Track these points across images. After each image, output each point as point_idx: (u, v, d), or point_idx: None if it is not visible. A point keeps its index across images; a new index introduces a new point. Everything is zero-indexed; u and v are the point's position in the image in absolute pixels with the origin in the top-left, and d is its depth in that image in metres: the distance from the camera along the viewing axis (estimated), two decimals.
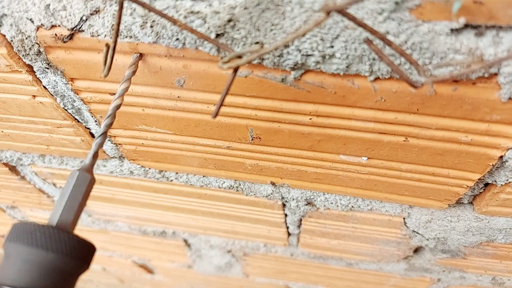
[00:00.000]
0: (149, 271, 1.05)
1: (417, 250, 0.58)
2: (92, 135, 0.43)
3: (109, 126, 0.28)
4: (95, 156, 0.27)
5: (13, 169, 0.58)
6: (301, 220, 0.54)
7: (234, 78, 0.24)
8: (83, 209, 0.25)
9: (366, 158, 0.36)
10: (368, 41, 0.23)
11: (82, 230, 0.79)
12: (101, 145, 0.28)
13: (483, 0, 0.21)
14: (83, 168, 0.27)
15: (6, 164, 0.57)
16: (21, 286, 0.22)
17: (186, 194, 0.53)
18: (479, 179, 0.36)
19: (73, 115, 0.40)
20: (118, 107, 0.28)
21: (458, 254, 0.54)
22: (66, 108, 0.38)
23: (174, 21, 0.23)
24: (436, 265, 0.60)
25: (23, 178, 0.60)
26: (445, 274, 0.64)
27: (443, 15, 0.22)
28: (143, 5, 0.22)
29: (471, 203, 0.42)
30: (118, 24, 0.23)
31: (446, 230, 0.47)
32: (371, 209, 0.46)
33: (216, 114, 0.25)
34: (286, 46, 0.22)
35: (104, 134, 0.28)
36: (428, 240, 0.51)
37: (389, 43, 0.22)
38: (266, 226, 0.59)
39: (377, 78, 0.27)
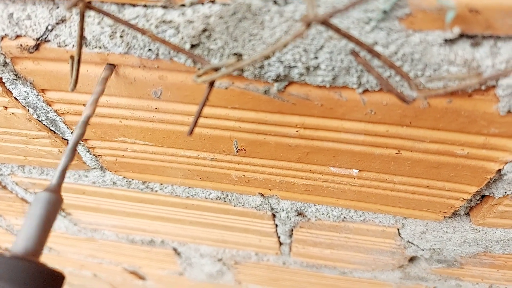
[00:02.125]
0: (141, 277, 1.03)
1: (412, 259, 0.56)
2: None
3: (77, 141, 0.25)
4: (63, 175, 0.25)
5: None
6: (292, 230, 0.52)
7: (210, 92, 0.22)
8: (49, 233, 0.23)
9: (357, 170, 0.34)
10: (354, 53, 0.21)
11: (69, 238, 0.77)
12: (69, 162, 0.26)
13: (479, 9, 0.19)
14: (49, 188, 0.25)
15: None
16: None
17: (172, 204, 0.51)
18: (476, 191, 0.34)
19: (48, 126, 0.37)
20: (87, 119, 0.26)
21: (454, 264, 0.52)
22: (40, 119, 0.36)
23: (143, 32, 0.21)
24: (431, 273, 0.59)
25: (4, 187, 0.58)
26: (441, 283, 0.62)
27: (436, 24, 0.20)
28: (107, 14, 0.20)
29: (467, 214, 0.41)
30: (81, 35, 0.21)
31: (442, 241, 0.45)
32: (364, 220, 0.44)
33: (191, 132, 0.23)
34: (267, 57, 0.20)
35: (72, 150, 0.26)
36: (423, 250, 0.49)
37: (377, 55, 0.20)
38: (256, 236, 0.57)
39: (366, 90, 0.25)
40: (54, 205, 0.23)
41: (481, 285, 0.60)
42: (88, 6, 0.20)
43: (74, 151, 0.26)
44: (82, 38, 0.21)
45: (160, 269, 0.86)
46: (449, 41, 0.21)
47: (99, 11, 0.20)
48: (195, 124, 0.23)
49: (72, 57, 0.24)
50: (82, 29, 0.20)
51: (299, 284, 0.77)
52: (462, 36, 0.21)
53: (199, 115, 0.22)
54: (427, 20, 0.20)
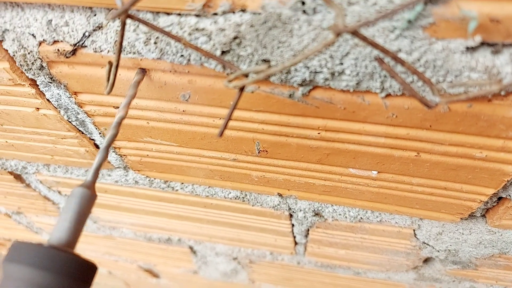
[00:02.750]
0: (155, 275, 1.05)
1: (426, 260, 0.57)
2: (97, 146, 0.43)
3: (111, 141, 0.27)
4: (97, 172, 0.27)
5: (18, 177, 0.58)
6: (308, 230, 0.53)
7: (241, 96, 0.24)
8: (83, 226, 0.25)
9: (376, 172, 0.35)
10: (379, 60, 0.22)
11: (88, 236, 0.79)
12: (103, 160, 0.27)
13: (500, 19, 0.20)
14: (84, 184, 0.26)
15: (11, 173, 0.56)
16: None
17: (191, 203, 0.52)
18: (493, 193, 0.35)
19: (77, 127, 0.39)
20: (121, 121, 0.28)
21: (469, 265, 0.53)
22: (70, 120, 0.38)
23: (178, 39, 0.22)
24: (446, 275, 0.59)
25: (28, 185, 0.60)
26: (455, 284, 0.62)
27: (458, 33, 0.21)
28: (146, 23, 0.22)
29: (483, 216, 0.41)
30: (121, 42, 0.22)
31: (458, 242, 0.46)
32: (380, 220, 0.45)
33: (221, 133, 0.24)
34: (292, 66, 0.21)
35: (106, 149, 0.27)
36: (438, 251, 0.50)
37: (401, 62, 0.21)
38: (272, 235, 0.58)
39: (388, 95, 0.26)
40: (89, 201, 0.25)
41: (495, 287, 0.61)
42: (129, 16, 0.21)
43: (107, 151, 0.27)
44: (121, 45, 0.22)
45: (175, 267, 0.87)
46: (471, 49, 0.22)
47: (138, 20, 0.21)
48: (225, 126, 0.24)
49: (110, 62, 0.26)
50: (122, 36, 0.22)
51: (313, 284, 0.78)
52: (483, 44, 0.22)
53: (229, 117, 0.24)
54: (450, 29, 0.21)
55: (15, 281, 0.21)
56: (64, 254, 0.22)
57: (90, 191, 0.25)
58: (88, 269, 0.24)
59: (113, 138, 0.27)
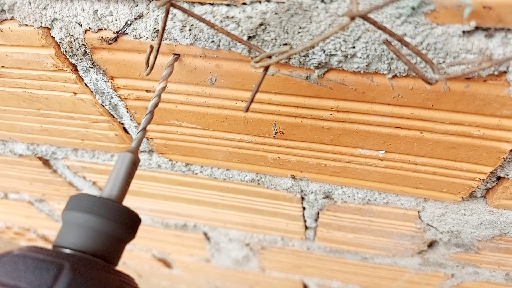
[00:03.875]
0: (168, 265, 1.09)
1: (431, 245, 0.60)
2: (125, 130, 0.46)
3: (156, 105, 0.31)
4: (140, 140, 0.30)
5: (46, 163, 0.62)
6: (318, 213, 0.56)
7: (265, 75, 0.27)
8: (129, 186, 0.29)
9: (383, 151, 0.38)
10: (387, 43, 0.25)
11: None
12: (148, 121, 0.30)
13: (492, 5, 0.23)
14: (130, 150, 0.30)
15: (40, 158, 0.60)
16: (80, 249, 0.25)
17: (209, 187, 0.56)
18: (491, 172, 0.38)
19: (109, 111, 0.43)
20: (160, 93, 0.31)
21: (471, 248, 0.56)
22: (103, 104, 0.42)
23: (212, 25, 0.26)
24: (450, 259, 0.62)
25: (55, 171, 0.64)
26: (459, 270, 0.65)
27: (456, 18, 0.25)
28: (186, 11, 0.25)
29: (484, 196, 0.44)
30: (163, 28, 0.26)
31: (460, 223, 0.49)
32: (387, 202, 0.48)
33: (247, 109, 0.28)
34: (312, 47, 0.24)
35: (151, 113, 0.31)
36: (442, 233, 0.53)
37: (406, 44, 0.24)
38: (284, 220, 0.61)
39: (394, 76, 0.29)
40: (134, 163, 0.29)
41: (498, 272, 0.64)
42: (172, 5, 0.25)
43: (151, 116, 0.31)
44: (164, 30, 0.26)
45: (189, 255, 0.91)
46: (467, 33, 0.25)
47: (180, 8, 0.25)
48: (251, 102, 0.27)
49: (151, 46, 0.29)
50: (165, 22, 0.25)
51: (322, 272, 0.81)
52: (477, 28, 0.25)
53: (255, 94, 0.27)
54: (449, 15, 0.24)
55: (74, 225, 0.25)
56: (115, 204, 0.26)
57: (134, 155, 0.29)
58: (134, 219, 0.27)
59: (155, 105, 0.30)
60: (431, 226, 0.52)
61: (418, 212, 0.49)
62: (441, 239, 0.55)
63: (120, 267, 1.24)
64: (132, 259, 1.10)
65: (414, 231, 0.54)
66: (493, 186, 0.42)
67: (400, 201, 0.48)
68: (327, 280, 0.86)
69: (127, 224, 0.26)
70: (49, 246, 1.21)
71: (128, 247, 0.98)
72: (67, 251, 0.25)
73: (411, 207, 0.49)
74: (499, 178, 0.41)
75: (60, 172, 0.64)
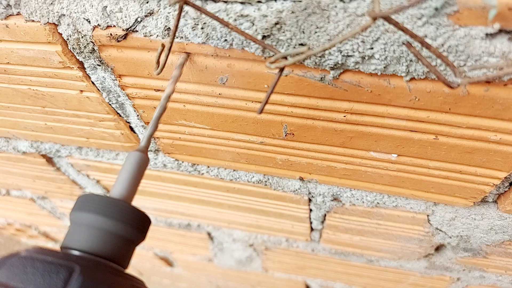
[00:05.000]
0: (169, 264, 1.08)
1: (438, 248, 0.59)
2: (132, 129, 0.46)
3: (161, 113, 0.30)
4: (149, 139, 0.29)
5: (49, 161, 0.61)
6: (325, 215, 0.56)
7: (280, 77, 0.26)
8: (139, 185, 0.28)
9: (396, 155, 0.37)
10: (408, 44, 0.24)
11: None
12: (155, 129, 0.30)
13: None
14: (139, 149, 0.29)
15: (44, 156, 0.60)
16: (89, 250, 0.24)
17: (215, 187, 0.55)
18: (505, 177, 0.37)
19: (116, 109, 0.42)
20: (169, 96, 0.30)
21: (479, 252, 0.55)
22: (110, 102, 0.41)
23: (226, 24, 0.25)
24: (456, 263, 0.61)
25: (58, 169, 0.63)
26: (465, 273, 0.65)
27: (479, 20, 0.24)
28: (199, 9, 0.24)
29: (495, 201, 0.43)
30: (176, 25, 0.25)
31: (470, 228, 0.48)
32: (396, 206, 0.48)
33: (261, 110, 0.27)
34: (331, 48, 0.23)
35: (157, 119, 0.30)
36: (451, 238, 0.52)
37: (428, 46, 0.23)
38: (290, 221, 0.60)
39: (412, 79, 0.28)
40: (143, 162, 0.28)
41: (505, 277, 0.63)
42: (186, 2, 0.24)
43: (158, 120, 0.30)
44: (177, 28, 0.25)
45: (192, 254, 0.90)
46: (490, 35, 0.25)
47: (194, 6, 0.24)
48: (265, 103, 0.27)
49: (163, 45, 0.29)
50: (178, 21, 0.25)
51: (325, 273, 0.80)
52: (501, 31, 0.24)
53: (269, 95, 0.26)
54: (472, 17, 0.24)
55: (83, 226, 0.24)
56: (124, 205, 0.25)
57: (144, 155, 0.28)
58: (144, 221, 0.26)
59: (163, 111, 0.30)
60: (440, 230, 0.51)
61: (427, 216, 0.49)
62: (449, 243, 0.54)
63: None
64: (133, 257, 1.10)
65: (422, 234, 0.54)
66: (505, 191, 0.41)
67: (409, 204, 0.47)
68: (330, 281, 0.85)
69: (137, 225, 0.26)
70: (51, 243, 1.21)
71: None
72: (76, 253, 0.25)
73: (421, 211, 0.48)
74: (511, 184, 0.40)
75: (64, 170, 0.63)
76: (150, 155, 0.51)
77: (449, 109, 0.30)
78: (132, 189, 0.27)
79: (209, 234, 0.76)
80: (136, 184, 0.27)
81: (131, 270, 1.29)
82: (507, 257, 0.56)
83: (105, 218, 0.24)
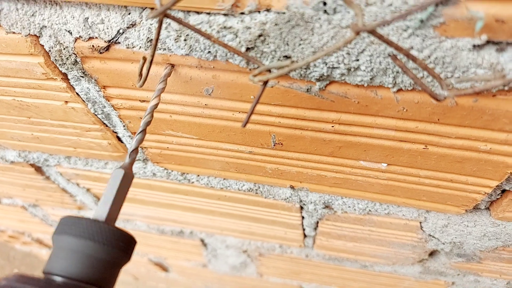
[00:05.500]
0: (164, 269, 1.07)
1: (432, 254, 0.59)
2: (119, 139, 0.45)
3: (148, 124, 0.29)
4: (134, 155, 0.29)
5: (38, 170, 0.61)
6: (318, 222, 0.55)
7: (264, 89, 0.26)
8: (123, 203, 0.27)
9: (385, 164, 0.37)
10: (393, 56, 0.24)
11: None
12: (140, 141, 0.29)
13: (505, 19, 0.22)
14: (123, 166, 0.28)
15: (32, 165, 0.59)
16: (72, 276, 0.23)
17: (206, 195, 0.54)
18: (496, 186, 0.36)
19: (102, 120, 0.41)
20: (153, 110, 0.30)
21: (473, 258, 0.55)
22: (96, 113, 0.40)
23: (208, 36, 0.25)
24: (451, 268, 0.61)
25: (47, 178, 0.63)
26: (459, 278, 0.64)
27: (466, 32, 0.23)
28: (180, 22, 0.24)
29: (488, 208, 0.43)
30: (157, 39, 0.24)
31: (463, 234, 0.48)
32: (388, 213, 0.47)
33: (246, 123, 0.27)
34: (314, 61, 0.23)
35: (143, 132, 0.29)
36: (444, 244, 0.51)
37: (413, 59, 0.23)
38: (282, 228, 0.60)
39: (400, 90, 0.28)
40: (127, 180, 0.27)
41: (499, 281, 0.63)
42: (166, 15, 0.23)
43: (143, 135, 0.29)
44: (157, 41, 0.24)
45: (186, 260, 0.90)
46: (477, 47, 0.24)
47: (174, 19, 0.23)
48: (249, 117, 0.26)
49: (144, 58, 0.28)
50: (158, 33, 0.24)
51: (320, 278, 0.80)
52: (488, 42, 0.24)
53: (253, 109, 0.26)
54: (459, 28, 0.23)
55: (65, 251, 0.24)
56: (108, 227, 0.25)
57: (128, 171, 0.27)
58: (129, 242, 0.26)
59: (147, 124, 0.29)
60: (433, 237, 0.51)
61: (420, 222, 0.48)
62: (442, 249, 0.54)
63: None
64: (128, 263, 1.09)
65: (416, 241, 0.53)
66: (497, 199, 0.41)
67: (401, 212, 0.47)
68: (325, 286, 0.85)
69: (121, 247, 0.25)
70: (44, 250, 1.20)
71: None
72: (58, 279, 0.24)
73: (413, 218, 0.47)
74: (503, 191, 0.39)
75: (53, 178, 0.62)
76: (139, 164, 0.50)
77: (438, 119, 0.30)
78: (115, 209, 0.26)
79: (202, 240, 0.75)
80: (119, 203, 0.27)
81: (126, 274, 1.28)
82: (501, 262, 0.55)
83: (87, 242, 0.24)
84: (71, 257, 0.24)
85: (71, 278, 0.23)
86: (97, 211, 0.26)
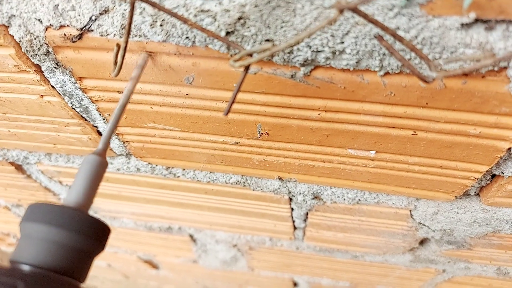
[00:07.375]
0: (154, 266, 1.06)
1: (422, 242, 0.58)
2: (99, 133, 0.43)
3: (122, 111, 0.27)
4: (107, 141, 0.27)
5: (19, 168, 0.59)
6: (307, 214, 0.54)
7: (246, 75, 0.24)
8: (96, 191, 0.26)
9: (374, 152, 0.36)
10: (379, 37, 0.23)
11: None
12: (112, 131, 0.27)
13: None
14: (96, 152, 0.27)
15: (12, 163, 0.57)
16: (40, 264, 0.22)
17: (192, 190, 0.53)
18: (486, 171, 0.36)
19: (80, 113, 0.40)
20: (130, 93, 0.28)
21: (463, 245, 0.55)
22: (73, 107, 0.38)
23: (185, 20, 0.23)
24: (441, 256, 0.61)
25: (29, 176, 0.61)
26: (450, 265, 0.64)
27: (454, 10, 0.22)
28: (154, 5, 0.22)
29: (477, 194, 0.43)
30: (130, 24, 0.23)
31: (453, 221, 0.47)
32: (377, 202, 0.47)
33: (228, 111, 0.25)
34: (297, 43, 0.22)
35: (116, 119, 0.28)
36: (434, 232, 0.51)
37: (400, 39, 0.22)
38: (272, 221, 0.59)
39: (387, 73, 0.27)
40: (101, 167, 0.26)
41: (489, 267, 0.63)
42: None
43: (118, 120, 0.28)
44: (130, 27, 0.23)
45: (175, 257, 0.88)
46: (465, 26, 0.23)
47: (148, 2, 0.22)
48: (231, 104, 0.25)
49: (118, 45, 0.26)
50: (131, 18, 0.23)
51: (311, 270, 0.79)
52: (477, 20, 0.23)
53: (235, 96, 0.25)
54: (446, 6, 0.22)
55: (33, 239, 0.22)
56: (79, 213, 0.23)
57: (101, 158, 0.26)
58: (102, 230, 0.24)
59: (123, 108, 0.27)
60: (423, 225, 0.50)
61: (410, 211, 0.48)
62: (433, 237, 0.53)
63: (105, 269, 1.21)
64: (117, 261, 1.07)
65: (406, 229, 0.53)
66: (487, 184, 0.40)
67: (391, 200, 0.46)
68: (317, 277, 0.84)
69: (93, 235, 0.24)
70: None
71: (112, 249, 0.95)
72: (26, 267, 0.22)
73: (403, 206, 0.47)
74: (493, 176, 0.39)
75: (35, 177, 0.60)
76: (122, 159, 0.49)
77: (426, 103, 0.29)
78: (89, 196, 0.25)
79: (191, 236, 0.74)
80: (93, 190, 0.25)
81: (116, 273, 1.26)
82: (491, 248, 0.55)
83: (56, 229, 0.22)
84: (39, 245, 0.22)
85: (39, 267, 0.22)
86: (67, 198, 0.24)
